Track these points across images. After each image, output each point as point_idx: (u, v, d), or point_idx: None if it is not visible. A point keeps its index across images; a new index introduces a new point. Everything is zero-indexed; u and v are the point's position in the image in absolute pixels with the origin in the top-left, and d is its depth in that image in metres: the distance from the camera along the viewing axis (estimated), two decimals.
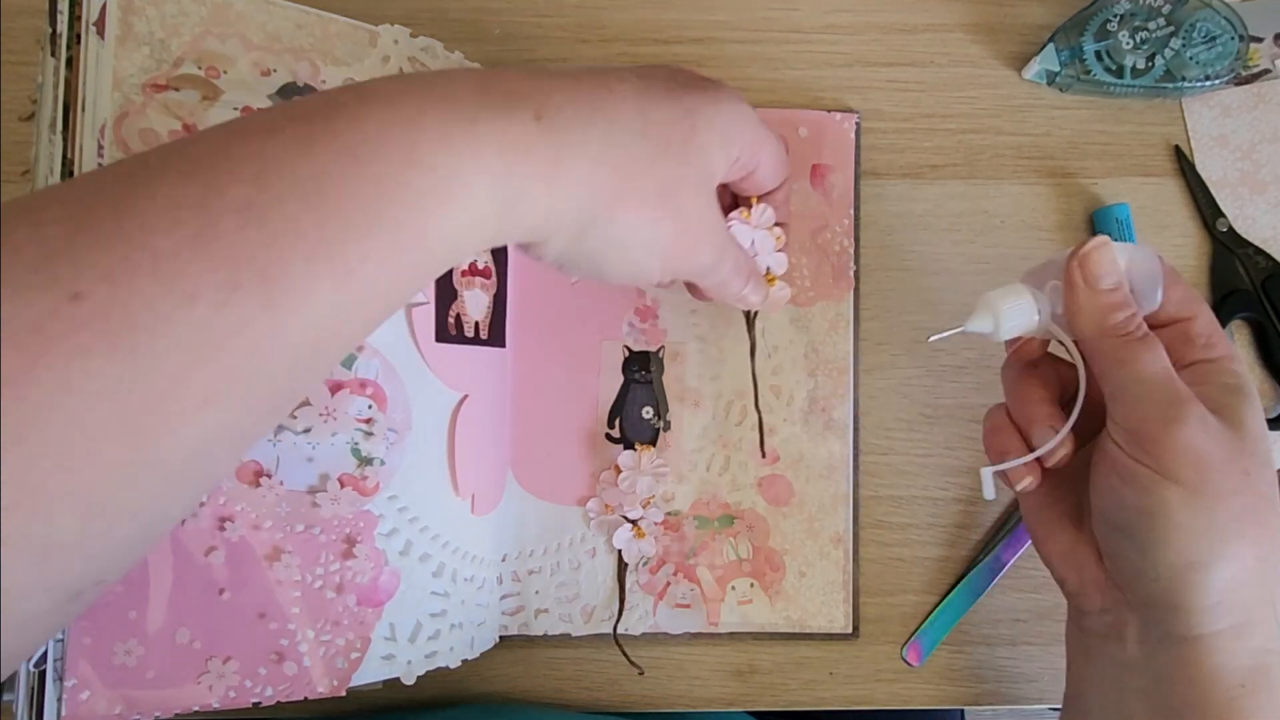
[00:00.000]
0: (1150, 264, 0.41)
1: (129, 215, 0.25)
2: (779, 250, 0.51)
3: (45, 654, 0.39)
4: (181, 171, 0.27)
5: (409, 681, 0.46)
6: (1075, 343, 0.42)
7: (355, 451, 0.44)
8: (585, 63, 0.57)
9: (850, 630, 0.54)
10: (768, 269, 0.51)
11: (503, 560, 0.52)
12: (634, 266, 0.38)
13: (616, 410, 0.54)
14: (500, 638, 0.52)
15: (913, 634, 0.55)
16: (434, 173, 0.30)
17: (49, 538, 0.25)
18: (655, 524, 0.53)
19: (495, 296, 0.51)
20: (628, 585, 0.53)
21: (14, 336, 0.23)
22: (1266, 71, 0.58)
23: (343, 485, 0.43)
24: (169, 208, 0.26)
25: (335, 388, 0.43)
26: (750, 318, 0.54)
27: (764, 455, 0.54)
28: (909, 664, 0.54)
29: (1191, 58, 0.55)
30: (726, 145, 0.40)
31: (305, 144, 0.28)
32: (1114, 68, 0.55)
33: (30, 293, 0.24)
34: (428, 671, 0.47)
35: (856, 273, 0.56)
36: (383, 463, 0.44)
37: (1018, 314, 0.42)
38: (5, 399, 0.23)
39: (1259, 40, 0.57)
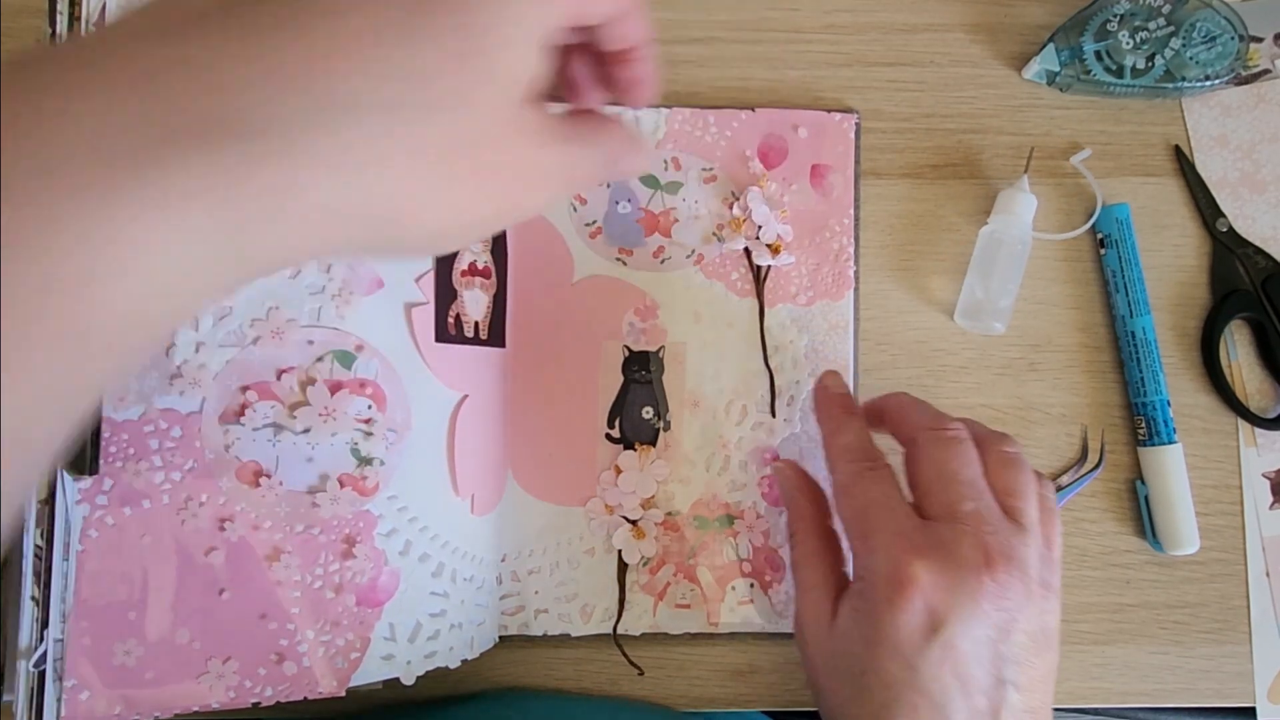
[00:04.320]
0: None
1: None
2: (784, 221, 0.55)
3: (45, 654, 0.39)
4: None
5: (408, 682, 0.46)
6: None
7: (355, 452, 0.44)
8: None
9: None
10: (777, 236, 0.54)
11: (502, 560, 0.52)
12: (453, 245, 0.33)
13: (616, 410, 0.54)
14: (500, 638, 0.52)
15: None
16: (101, 252, 0.21)
17: None
18: (655, 524, 0.53)
19: (495, 296, 0.51)
20: (628, 585, 0.53)
21: None
22: (1266, 71, 0.58)
23: (342, 485, 0.43)
24: None
25: (335, 388, 0.43)
26: (761, 314, 0.55)
27: (774, 415, 0.55)
28: None
29: (1191, 58, 0.55)
30: (525, 26, 0.28)
31: None
32: (1114, 68, 0.55)
33: None
34: (427, 671, 0.47)
35: (856, 273, 0.56)
36: (382, 463, 0.44)
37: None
38: None
39: (1259, 40, 0.57)
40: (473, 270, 0.49)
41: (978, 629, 0.40)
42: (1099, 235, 0.57)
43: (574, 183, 0.33)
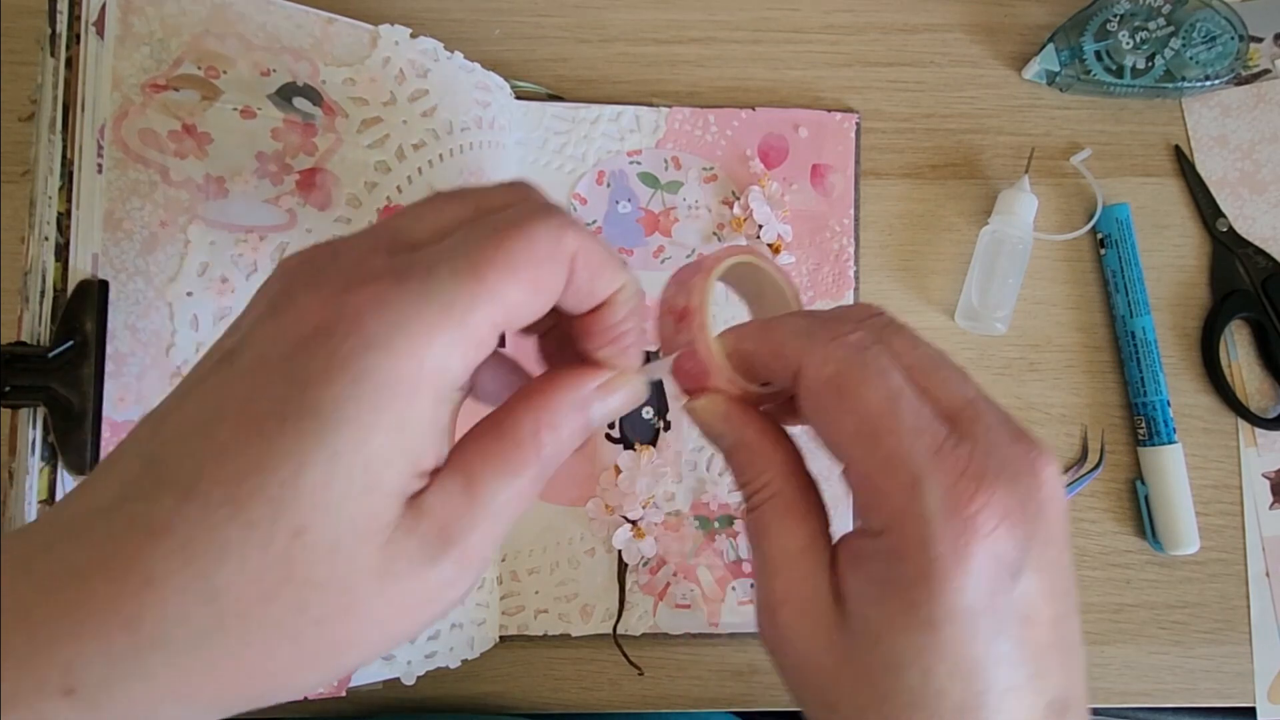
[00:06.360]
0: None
1: None
2: (785, 221, 0.55)
3: None
4: None
5: (409, 682, 0.46)
6: None
7: None
8: (585, 63, 0.57)
9: None
10: (778, 235, 0.54)
11: (502, 560, 0.52)
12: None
13: None
14: (500, 637, 0.52)
15: None
16: None
17: None
18: (655, 524, 0.53)
19: None
20: (628, 585, 0.53)
21: None
22: (1266, 71, 0.58)
23: None
24: None
25: None
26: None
27: None
28: None
29: (1191, 58, 0.55)
30: (391, 411, 0.24)
31: None
32: (1114, 68, 0.55)
33: None
34: (427, 671, 0.47)
35: (856, 273, 0.56)
36: None
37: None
38: None
39: (1259, 40, 0.57)
40: None
41: (1055, 557, 0.28)
42: (1099, 235, 0.57)
43: (483, 566, 0.28)
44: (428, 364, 0.24)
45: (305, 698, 0.43)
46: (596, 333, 0.29)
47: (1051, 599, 0.28)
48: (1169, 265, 0.57)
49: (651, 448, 0.54)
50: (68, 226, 0.40)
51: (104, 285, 0.41)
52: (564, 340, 0.31)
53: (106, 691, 0.22)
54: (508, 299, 0.25)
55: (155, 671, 0.23)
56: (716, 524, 0.54)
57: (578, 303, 0.28)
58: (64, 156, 0.40)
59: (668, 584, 0.53)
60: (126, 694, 0.23)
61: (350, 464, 0.23)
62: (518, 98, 0.54)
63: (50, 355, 0.40)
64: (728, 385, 0.31)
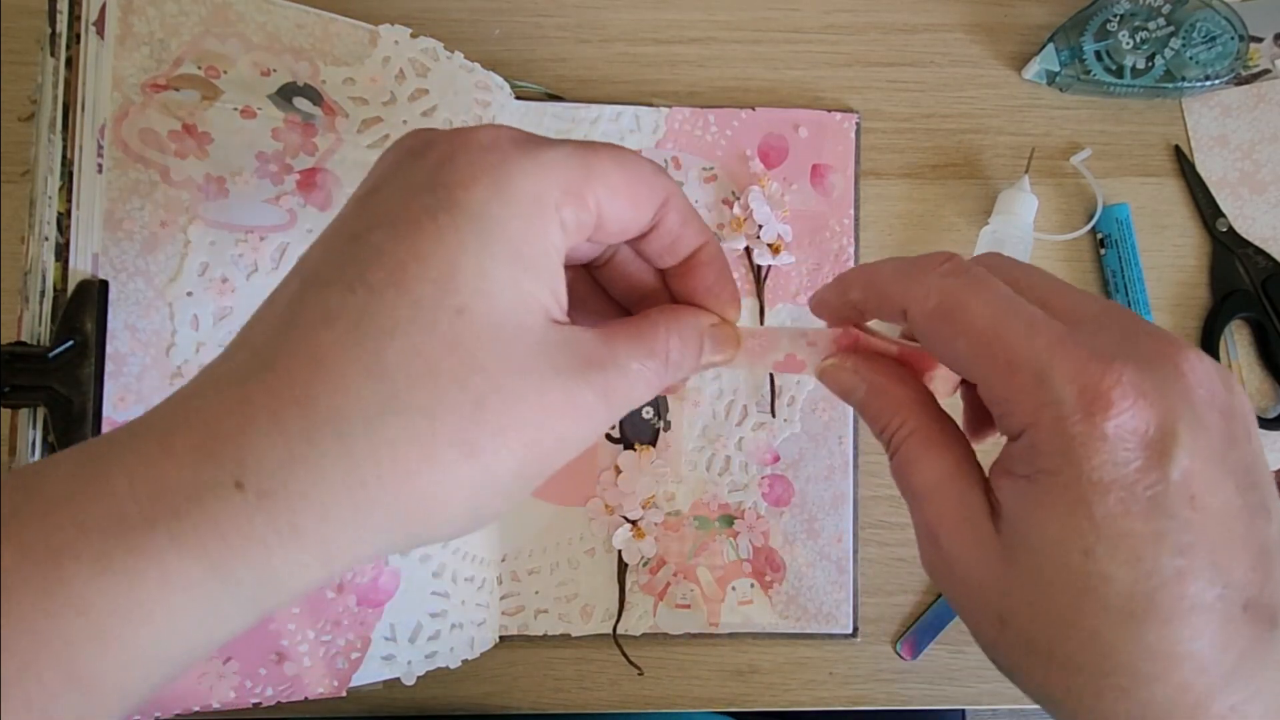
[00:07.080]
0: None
1: None
2: (784, 221, 0.55)
3: None
4: None
5: (409, 682, 0.46)
6: None
7: None
8: (585, 63, 0.57)
9: (850, 630, 0.54)
10: (778, 235, 0.54)
11: (502, 560, 0.52)
12: (487, 520, 0.28)
13: None
14: (500, 638, 0.52)
15: (908, 628, 0.55)
16: (88, 614, 0.22)
17: None
18: (655, 524, 0.53)
19: None
20: (628, 585, 0.53)
21: None
22: (1266, 71, 0.58)
23: None
24: None
25: None
26: (761, 313, 0.55)
27: (774, 415, 0.55)
28: (903, 658, 0.54)
29: (1191, 58, 0.55)
30: (525, 259, 0.26)
31: None
32: (1114, 68, 0.55)
33: None
34: (428, 671, 0.47)
35: None
36: None
37: None
38: None
39: (1259, 40, 0.57)
40: None
41: (1218, 450, 0.26)
42: (1099, 235, 0.57)
43: (619, 410, 0.29)
44: (554, 196, 0.27)
45: (305, 698, 0.43)
46: (700, 293, 0.33)
47: (1221, 489, 0.26)
48: (1169, 265, 0.57)
49: (651, 448, 0.54)
50: (68, 226, 0.40)
51: (104, 285, 0.41)
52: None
53: (280, 480, 0.23)
54: (610, 190, 0.28)
55: (328, 459, 0.23)
56: (716, 524, 0.54)
57: (665, 248, 0.31)
58: (64, 156, 0.40)
59: (668, 584, 0.53)
60: (300, 486, 0.23)
61: (502, 256, 0.25)
62: (518, 98, 0.54)
63: (50, 355, 0.40)
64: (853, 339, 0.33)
